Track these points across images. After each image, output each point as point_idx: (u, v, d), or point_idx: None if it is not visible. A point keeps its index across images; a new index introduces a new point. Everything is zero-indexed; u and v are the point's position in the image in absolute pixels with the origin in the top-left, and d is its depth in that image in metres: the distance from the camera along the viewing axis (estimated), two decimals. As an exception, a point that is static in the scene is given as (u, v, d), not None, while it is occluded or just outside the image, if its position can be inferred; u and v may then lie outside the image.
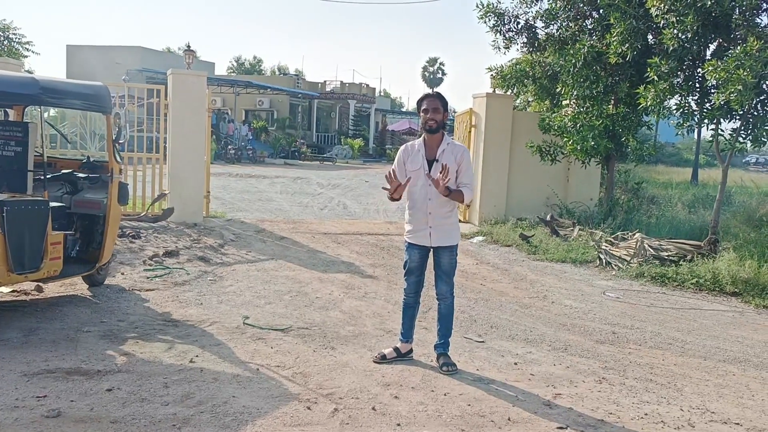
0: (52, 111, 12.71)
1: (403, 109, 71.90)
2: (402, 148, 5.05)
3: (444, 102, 4.82)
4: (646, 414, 4.29)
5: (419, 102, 4.90)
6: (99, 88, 6.16)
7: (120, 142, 6.60)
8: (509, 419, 4.08)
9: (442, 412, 4.12)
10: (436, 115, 4.76)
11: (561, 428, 3.99)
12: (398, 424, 3.92)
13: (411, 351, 5.12)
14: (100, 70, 27.10)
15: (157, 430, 3.67)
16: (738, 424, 4.24)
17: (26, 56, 19.26)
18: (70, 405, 3.92)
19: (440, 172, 4.62)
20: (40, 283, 6.14)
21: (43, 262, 5.42)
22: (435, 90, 4.98)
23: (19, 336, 5.09)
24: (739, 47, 8.66)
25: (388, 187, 4.74)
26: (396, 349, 5.06)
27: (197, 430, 3.70)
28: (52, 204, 5.66)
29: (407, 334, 5.10)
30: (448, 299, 4.99)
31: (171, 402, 4.04)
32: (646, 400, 4.53)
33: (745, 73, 8.26)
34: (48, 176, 5.89)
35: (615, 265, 9.15)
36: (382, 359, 4.98)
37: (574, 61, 10.88)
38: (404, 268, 5.07)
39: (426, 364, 5.00)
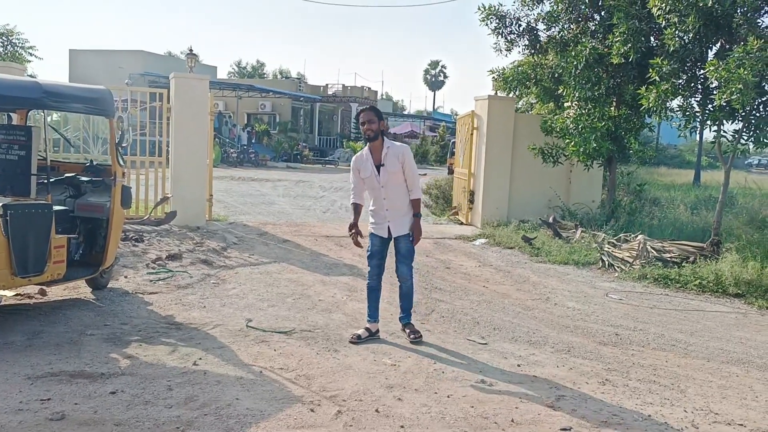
0: (55, 115, 12.74)
1: (405, 112, 71.97)
2: (354, 158, 5.76)
3: (378, 113, 5.55)
4: (649, 415, 4.28)
5: (356, 117, 5.81)
6: (102, 91, 6.18)
7: (123, 145, 6.62)
8: (513, 421, 4.08)
9: (445, 414, 4.13)
10: (372, 125, 5.45)
11: (564, 430, 3.99)
12: (402, 426, 3.92)
13: (378, 330, 5.69)
14: (102, 74, 27.12)
15: (161, 433, 3.67)
16: (741, 425, 4.23)
17: (29, 61, 19.41)
18: (74, 408, 3.93)
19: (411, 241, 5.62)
20: (44, 287, 6.16)
21: (47, 265, 5.43)
22: (369, 105, 6.11)
23: (23, 339, 5.10)
24: (739, 47, 8.66)
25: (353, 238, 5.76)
26: (367, 329, 5.63)
27: (201, 432, 3.71)
28: (56, 207, 5.68)
29: (374, 315, 5.69)
30: (408, 280, 5.68)
31: (175, 404, 4.05)
32: (650, 402, 4.53)
33: (745, 73, 8.27)
34: (51, 180, 5.91)
35: (618, 267, 9.14)
36: (358, 339, 5.49)
37: (575, 63, 10.89)
38: (367, 253, 5.75)
39: (429, 366, 5.00)
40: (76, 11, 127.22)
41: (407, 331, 5.67)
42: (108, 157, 6.99)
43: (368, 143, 5.55)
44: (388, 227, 5.59)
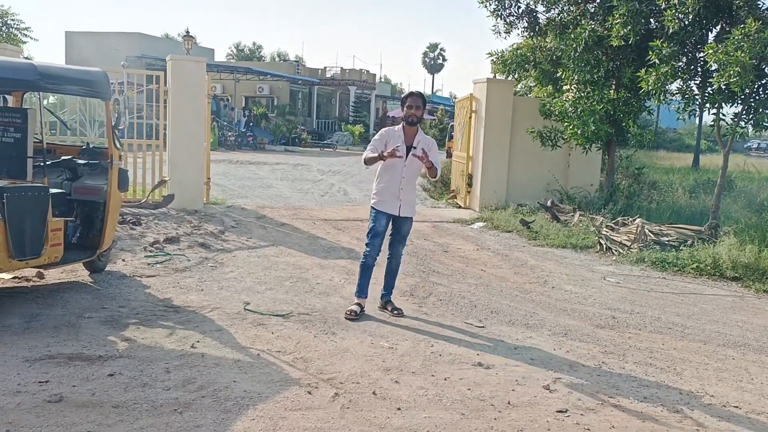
0: (52, 97, 12.67)
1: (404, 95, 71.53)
2: (385, 129, 5.98)
3: (424, 101, 5.86)
4: (645, 398, 4.31)
5: (404, 99, 5.85)
6: (98, 74, 6.13)
7: (119, 128, 6.58)
8: (509, 403, 4.10)
9: (442, 397, 4.14)
10: (417, 111, 5.76)
11: (561, 412, 4.01)
12: (399, 408, 3.94)
13: (364, 306, 5.85)
14: (98, 56, 26.97)
15: (159, 415, 3.68)
16: (737, 407, 4.26)
17: (25, 42, 19.23)
18: (72, 390, 3.94)
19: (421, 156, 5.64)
20: (41, 270, 6.14)
21: (44, 248, 5.42)
22: (417, 90, 6.13)
23: (20, 322, 5.11)
24: (738, 29, 8.61)
25: (389, 153, 5.54)
26: (358, 305, 5.82)
27: (199, 414, 3.72)
28: (52, 190, 5.65)
29: (365, 291, 5.85)
30: (400, 257, 6.03)
31: (172, 387, 4.06)
32: (646, 384, 4.55)
33: (743, 55, 8.22)
34: (48, 162, 5.88)
35: (615, 251, 9.15)
36: (355, 315, 5.66)
37: (575, 45, 10.83)
38: (369, 232, 5.89)
39: (426, 349, 5.02)
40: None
41: (389, 308, 5.91)
42: (104, 140, 6.96)
43: (404, 125, 5.80)
44: (400, 206, 5.80)
